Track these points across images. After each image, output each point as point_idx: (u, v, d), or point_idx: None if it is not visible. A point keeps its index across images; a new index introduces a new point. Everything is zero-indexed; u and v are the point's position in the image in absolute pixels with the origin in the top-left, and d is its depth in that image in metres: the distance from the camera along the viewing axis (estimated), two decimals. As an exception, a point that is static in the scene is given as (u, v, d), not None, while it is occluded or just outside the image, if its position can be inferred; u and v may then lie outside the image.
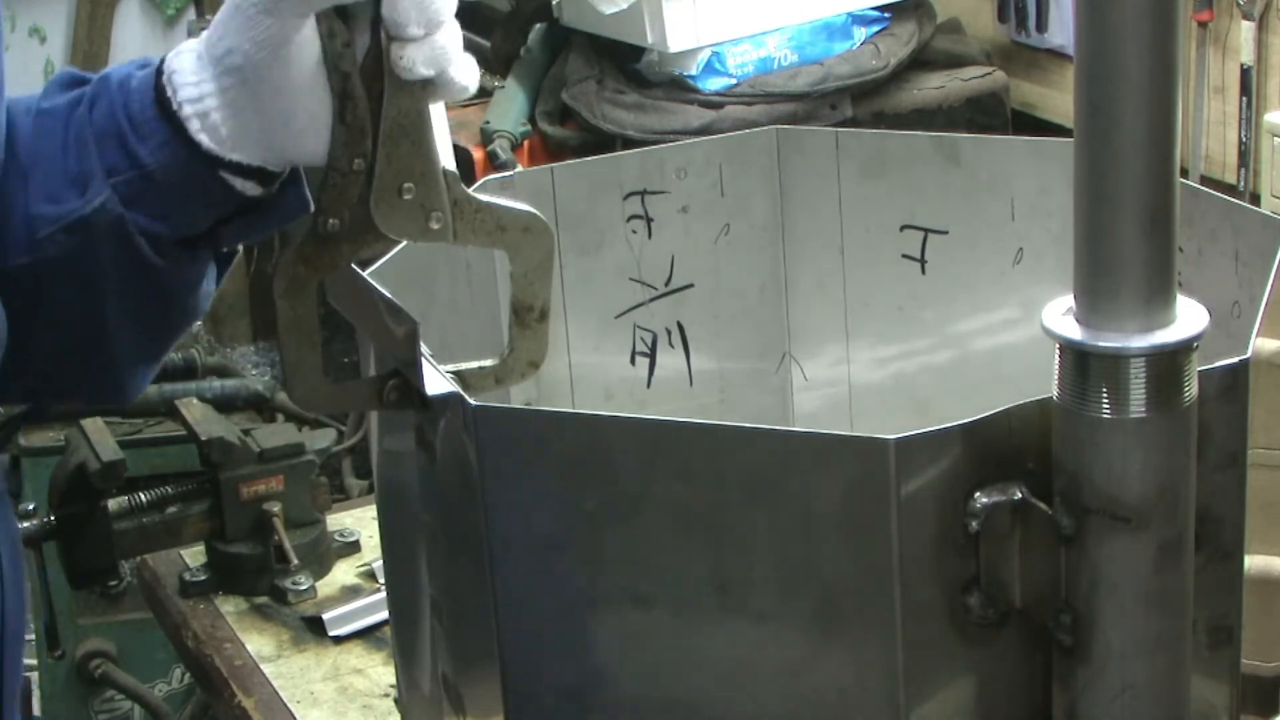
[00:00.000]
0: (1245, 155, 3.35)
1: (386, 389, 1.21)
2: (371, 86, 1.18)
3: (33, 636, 3.22)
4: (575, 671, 1.16)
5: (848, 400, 1.76)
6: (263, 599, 2.06)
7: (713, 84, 3.28)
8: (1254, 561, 1.49)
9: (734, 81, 3.29)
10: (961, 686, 1.11)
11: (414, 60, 1.17)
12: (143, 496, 2.08)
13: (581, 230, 1.66)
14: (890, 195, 1.67)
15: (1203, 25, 3.35)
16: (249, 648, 1.96)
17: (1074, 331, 1.02)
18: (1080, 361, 1.02)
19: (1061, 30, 3.60)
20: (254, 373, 3.90)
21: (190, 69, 1.25)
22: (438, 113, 1.23)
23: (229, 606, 2.05)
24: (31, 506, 2.29)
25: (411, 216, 1.21)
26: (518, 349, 1.26)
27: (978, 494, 1.06)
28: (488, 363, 1.26)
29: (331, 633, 2.00)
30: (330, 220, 1.20)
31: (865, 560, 1.07)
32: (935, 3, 3.56)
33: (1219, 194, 1.40)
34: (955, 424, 1.06)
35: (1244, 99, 3.33)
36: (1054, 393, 1.04)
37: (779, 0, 3.35)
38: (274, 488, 2.10)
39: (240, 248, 1.44)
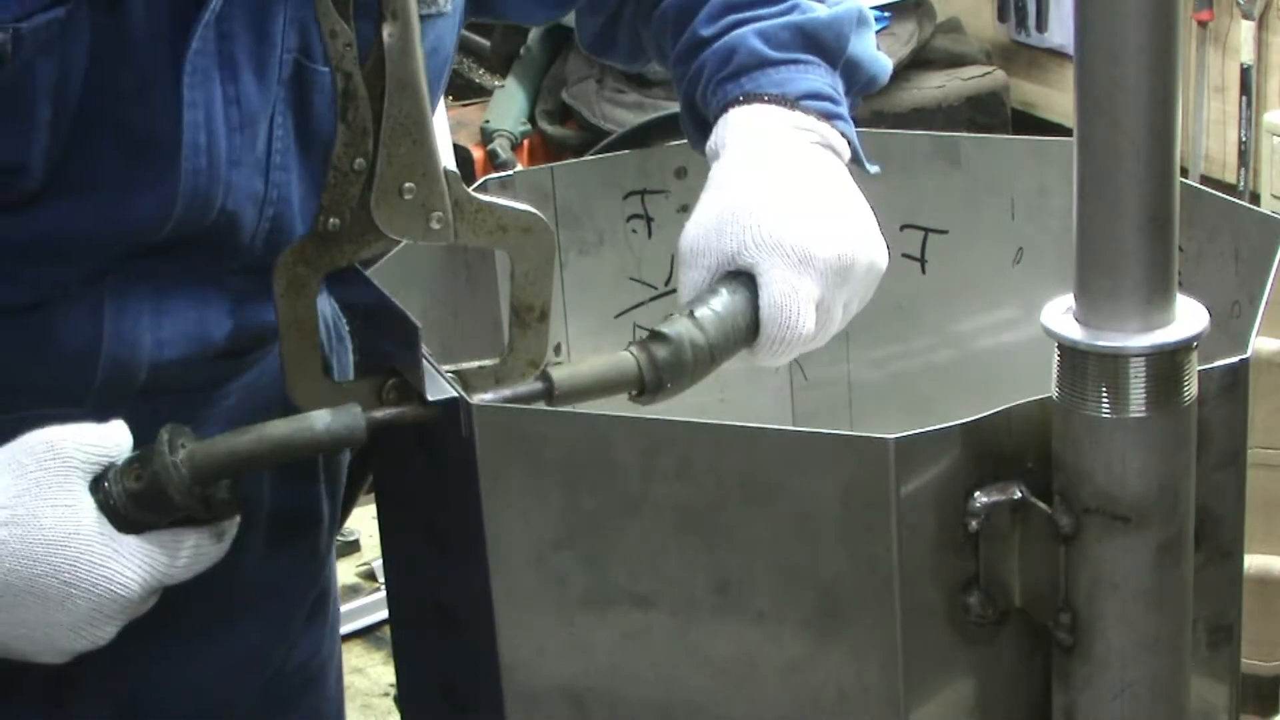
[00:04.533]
0: (1245, 155, 3.35)
1: (386, 389, 1.21)
2: (373, 86, 1.18)
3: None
4: (575, 671, 1.16)
5: (848, 400, 1.75)
6: (263, 599, 2.05)
7: (713, 84, 3.28)
8: (1254, 561, 1.49)
9: (734, 81, 3.29)
10: (961, 686, 1.11)
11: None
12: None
13: (581, 230, 1.66)
14: (890, 195, 1.67)
15: (1203, 25, 3.35)
16: (249, 647, 1.96)
17: (1074, 331, 1.02)
18: (1080, 361, 1.02)
19: (1061, 30, 3.60)
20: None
21: None
22: (438, 113, 1.23)
23: (229, 606, 2.05)
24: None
25: (412, 216, 1.21)
26: (518, 349, 1.26)
27: (977, 493, 1.06)
28: (488, 363, 1.26)
29: (332, 632, 2.00)
30: (331, 220, 1.20)
31: (865, 560, 1.07)
32: (935, 3, 3.56)
33: (1219, 194, 1.40)
34: (955, 424, 1.06)
35: (1244, 99, 3.33)
36: (1054, 392, 1.04)
37: (779, 0, 3.34)
38: (274, 487, 2.09)
39: None
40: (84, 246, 1.26)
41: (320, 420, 1.14)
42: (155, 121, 1.24)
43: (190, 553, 1.18)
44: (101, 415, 1.20)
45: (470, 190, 1.23)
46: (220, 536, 1.19)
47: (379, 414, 1.16)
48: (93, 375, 1.30)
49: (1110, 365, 1.01)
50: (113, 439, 1.17)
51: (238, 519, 1.20)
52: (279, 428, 1.15)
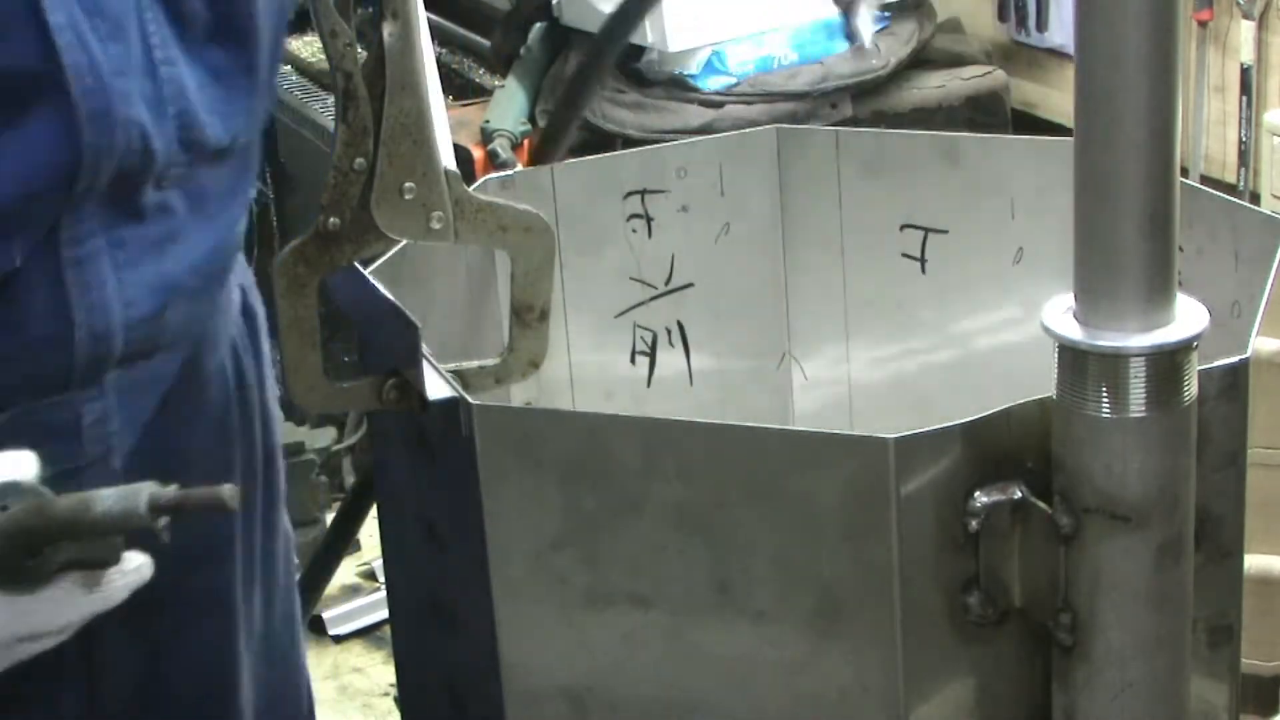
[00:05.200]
0: (1245, 155, 3.35)
1: (386, 388, 1.22)
2: (373, 86, 1.18)
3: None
4: (575, 671, 1.16)
5: (848, 400, 1.75)
6: (263, 598, 2.06)
7: (713, 83, 3.28)
8: (1254, 561, 1.49)
9: (734, 81, 3.29)
10: (961, 686, 1.11)
11: None
12: (143, 496, 2.07)
13: (581, 230, 1.66)
14: (890, 195, 1.67)
15: (1203, 25, 3.35)
16: (249, 647, 1.96)
17: (1074, 331, 1.02)
18: (1080, 361, 1.02)
19: (1061, 30, 3.61)
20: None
21: None
22: (439, 112, 1.23)
23: (229, 606, 2.05)
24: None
25: (413, 216, 1.21)
26: (518, 349, 1.27)
27: (977, 493, 1.06)
28: (488, 363, 1.27)
29: (331, 632, 2.01)
30: (331, 219, 1.20)
31: (865, 560, 1.07)
32: (935, 2, 3.56)
33: (1219, 194, 1.40)
34: (955, 423, 1.06)
35: (1244, 98, 3.33)
36: (1054, 392, 1.04)
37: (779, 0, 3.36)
38: (274, 487, 2.09)
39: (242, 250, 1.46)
40: (10, 209, 1.24)
41: (100, 503, 1.12)
42: (29, 58, 1.22)
43: (47, 606, 1.16)
44: (89, 402, 1.19)
45: (470, 190, 1.23)
46: (91, 587, 1.17)
47: (163, 497, 1.11)
48: (69, 353, 1.28)
49: (1110, 365, 1.01)
50: None
51: (115, 570, 1.17)
52: (61, 505, 1.13)
